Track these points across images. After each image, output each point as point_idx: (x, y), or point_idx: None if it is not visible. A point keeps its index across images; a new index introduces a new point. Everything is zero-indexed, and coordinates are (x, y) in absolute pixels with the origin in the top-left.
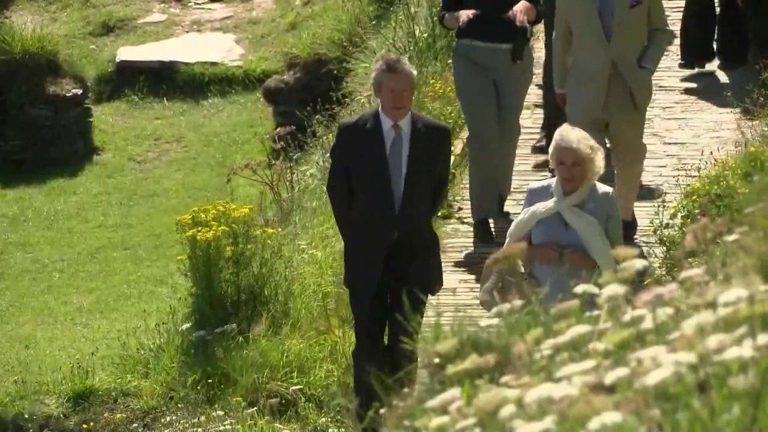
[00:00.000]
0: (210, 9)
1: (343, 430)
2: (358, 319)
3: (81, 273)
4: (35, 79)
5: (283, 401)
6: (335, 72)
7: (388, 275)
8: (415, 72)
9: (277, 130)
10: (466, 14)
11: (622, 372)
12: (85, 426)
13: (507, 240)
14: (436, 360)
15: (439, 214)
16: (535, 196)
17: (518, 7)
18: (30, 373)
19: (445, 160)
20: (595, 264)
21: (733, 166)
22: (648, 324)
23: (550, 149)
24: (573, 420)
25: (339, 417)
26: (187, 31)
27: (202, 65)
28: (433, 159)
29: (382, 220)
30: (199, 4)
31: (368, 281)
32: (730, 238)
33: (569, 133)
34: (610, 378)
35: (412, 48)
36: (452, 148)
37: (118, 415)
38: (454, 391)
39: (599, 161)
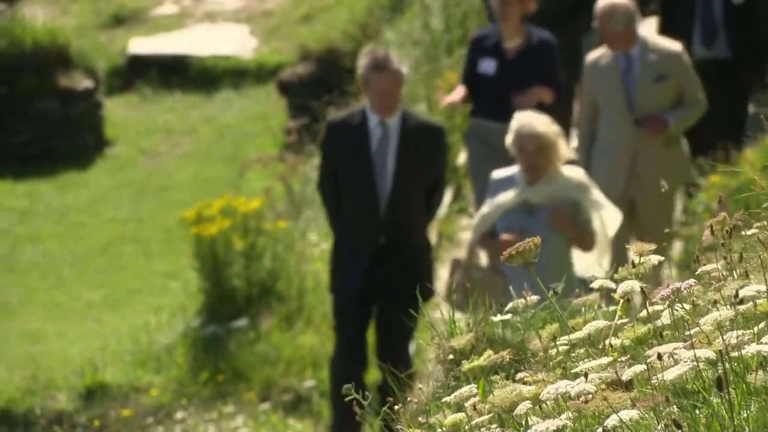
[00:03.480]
0: (223, 1)
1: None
2: (338, 328)
3: (91, 267)
4: (46, 72)
5: (297, 397)
6: (349, 64)
7: (375, 283)
8: (404, 69)
9: (290, 123)
10: (454, 96)
11: (639, 368)
12: (95, 422)
13: (472, 234)
14: (451, 356)
15: (455, 208)
16: (498, 186)
17: (525, 95)
18: (40, 369)
19: (439, 160)
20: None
21: (751, 159)
22: (665, 319)
23: (509, 137)
24: (590, 416)
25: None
26: (200, 23)
27: (215, 57)
28: (425, 159)
29: (367, 224)
30: None
31: (350, 289)
32: (749, 232)
33: (530, 119)
34: (627, 374)
35: (426, 40)
36: (448, 148)
37: (129, 412)
38: (469, 387)
39: (563, 147)
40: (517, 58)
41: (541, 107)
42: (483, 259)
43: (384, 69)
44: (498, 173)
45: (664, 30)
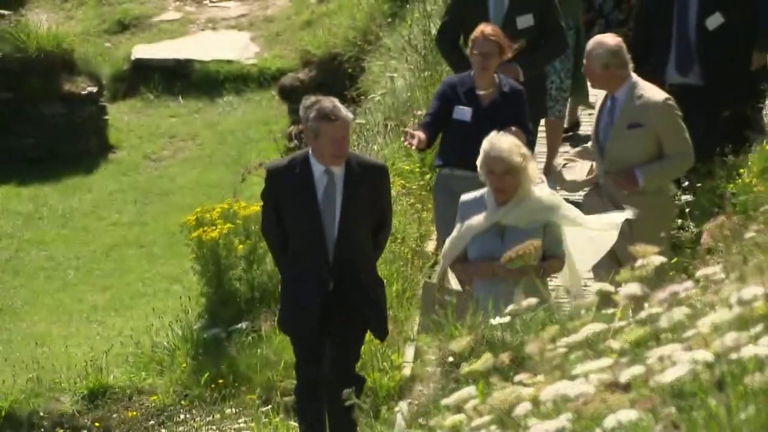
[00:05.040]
0: (225, 7)
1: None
2: (297, 362)
3: (96, 271)
4: (50, 77)
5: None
6: (350, 70)
7: (328, 321)
8: (350, 115)
9: (292, 128)
10: (417, 135)
11: (637, 370)
12: (99, 424)
13: (443, 261)
14: (451, 358)
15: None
16: (467, 208)
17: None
18: (45, 371)
19: (383, 199)
20: (531, 271)
21: (749, 163)
22: (664, 322)
23: (479, 159)
24: (588, 418)
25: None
26: (203, 29)
27: (217, 63)
28: (371, 199)
29: (317, 267)
30: (214, 2)
31: (303, 333)
32: (747, 235)
33: (499, 141)
34: (625, 376)
35: (426, 46)
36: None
37: (132, 413)
38: (469, 389)
39: (532, 169)
40: (490, 106)
41: None
42: (453, 283)
43: (335, 119)
44: (466, 196)
45: (641, 56)
